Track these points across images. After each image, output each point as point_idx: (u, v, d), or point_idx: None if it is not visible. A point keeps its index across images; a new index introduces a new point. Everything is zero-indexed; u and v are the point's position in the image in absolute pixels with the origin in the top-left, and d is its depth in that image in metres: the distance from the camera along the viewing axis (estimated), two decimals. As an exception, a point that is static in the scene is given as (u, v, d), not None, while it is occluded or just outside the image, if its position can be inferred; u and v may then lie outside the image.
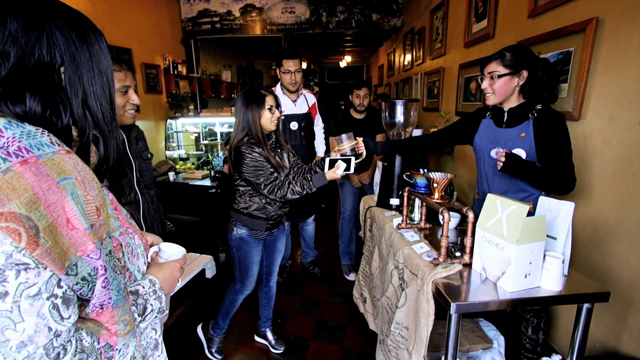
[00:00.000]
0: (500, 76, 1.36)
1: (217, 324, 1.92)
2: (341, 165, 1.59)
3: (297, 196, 1.60)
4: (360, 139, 1.74)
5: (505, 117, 1.45)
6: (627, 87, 1.40)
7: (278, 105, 1.66)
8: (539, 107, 1.37)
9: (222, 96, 6.04)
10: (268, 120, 1.61)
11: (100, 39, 0.62)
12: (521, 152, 1.38)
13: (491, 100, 1.42)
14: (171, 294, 1.02)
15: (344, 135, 1.70)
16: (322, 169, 1.68)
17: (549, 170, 1.31)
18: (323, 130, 2.74)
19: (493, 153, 1.47)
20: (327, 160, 1.65)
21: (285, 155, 1.75)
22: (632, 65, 1.37)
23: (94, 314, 0.53)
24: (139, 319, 0.63)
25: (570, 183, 1.31)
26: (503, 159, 1.30)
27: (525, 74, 1.35)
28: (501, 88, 1.37)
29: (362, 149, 1.74)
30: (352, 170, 1.62)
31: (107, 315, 0.54)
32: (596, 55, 1.53)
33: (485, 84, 1.41)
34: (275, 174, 1.61)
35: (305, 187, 1.59)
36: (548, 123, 1.33)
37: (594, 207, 1.59)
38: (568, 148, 1.32)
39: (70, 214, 0.49)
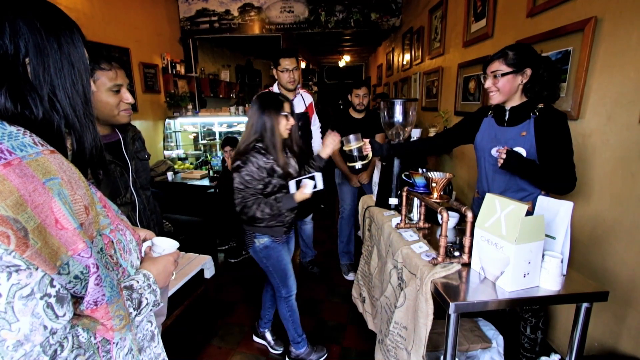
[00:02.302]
0: (503, 75, 1.35)
1: (294, 341, 1.87)
2: (308, 184, 1.58)
3: (267, 216, 1.57)
4: (367, 140, 1.75)
5: (507, 116, 1.45)
6: (625, 86, 1.40)
7: (293, 113, 1.65)
8: (540, 106, 1.37)
9: (221, 96, 6.03)
10: (283, 127, 1.60)
11: (73, 31, 0.60)
12: (521, 151, 1.38)
13: (495, 99, 1.42)
14: (169, 294, 1.02)
15: (351, 136, 1.71)
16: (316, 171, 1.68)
17: (549, 170, 1.31)
18: (320, 130, 2.74)
19: (494, 152, 1.48)
20: (292, 182, 1.63)
21: (292, 162, 1.72)
22: (631, 65, 1.37)
23: (89, 311, 0.54)
24: (134, 313, 0.63)
25: (571, 183, 1.31)
26: (504, 157, 1.30)
27: (528, 72, 1.35)
28: (505, 86, 1.37)
29: (369, 151, 1.76)
30: (320, 186, 1.62)
31: (101, 311, 0.55)
32: (595, 55, 1.53)
33: (488, 83, 1.41)
34: (255, 197, 1.57)
35: (274, 208, 1.57)
36: (549, 122, 1.33)
37: (592, 206, 1.59)
38: (569, 148, 1.32)
39: (58, 214, 0.49)
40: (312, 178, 1.60)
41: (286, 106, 1.61)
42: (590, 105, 1.58)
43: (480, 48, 2.51)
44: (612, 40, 1.46)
